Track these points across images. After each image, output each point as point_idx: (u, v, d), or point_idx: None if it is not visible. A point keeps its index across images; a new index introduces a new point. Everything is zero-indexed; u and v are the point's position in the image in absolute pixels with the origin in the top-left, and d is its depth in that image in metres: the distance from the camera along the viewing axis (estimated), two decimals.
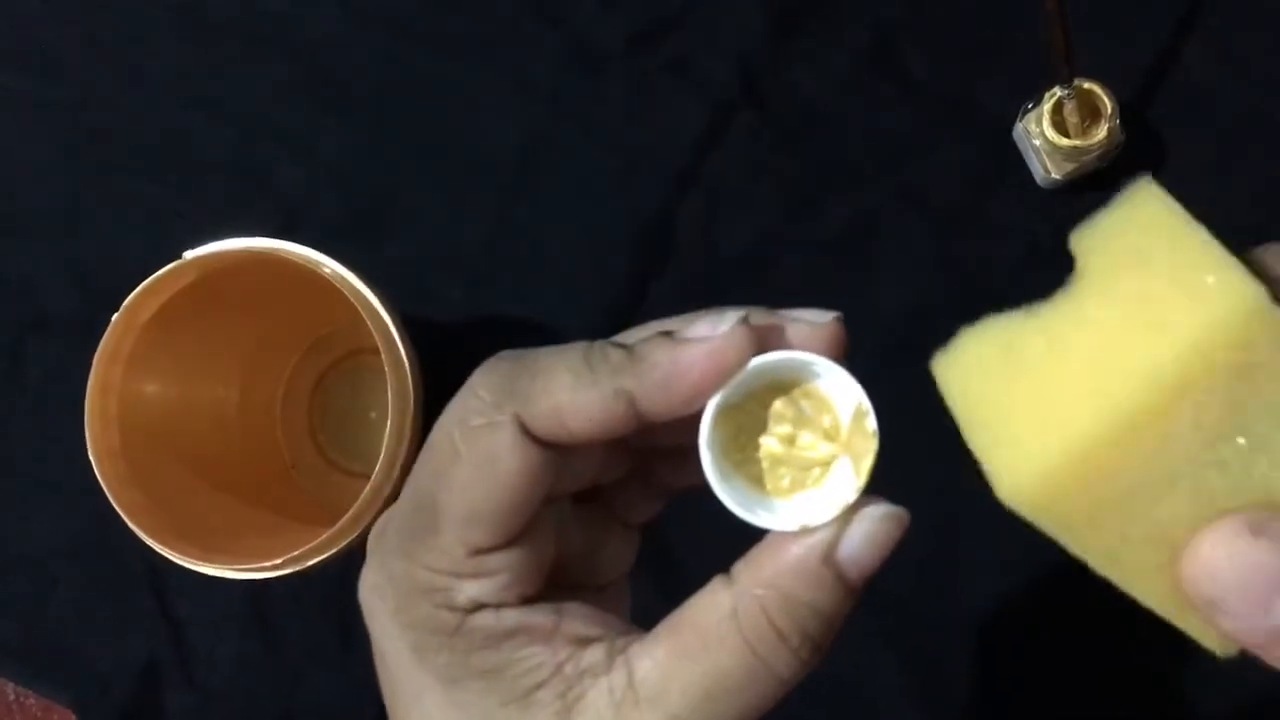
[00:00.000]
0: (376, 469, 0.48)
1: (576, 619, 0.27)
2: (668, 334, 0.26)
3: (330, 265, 0.49)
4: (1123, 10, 0.56)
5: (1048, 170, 0.54)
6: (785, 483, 0.27)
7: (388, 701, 0.28)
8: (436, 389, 0.52)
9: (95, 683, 0.58)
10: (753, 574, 0.26)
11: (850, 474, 0.26)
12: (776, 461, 0.27)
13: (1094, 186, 0.55)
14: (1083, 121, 0.53)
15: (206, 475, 0.54)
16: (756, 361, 0.26)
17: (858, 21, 0.58)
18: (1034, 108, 0.54)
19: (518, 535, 0.27)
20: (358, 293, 0.49)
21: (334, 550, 0.48)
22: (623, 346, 0.27)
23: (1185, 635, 0.33)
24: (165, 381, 0.53)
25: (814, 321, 0.27)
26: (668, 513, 0.39)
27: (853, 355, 0.27)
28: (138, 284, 0.48)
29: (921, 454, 0.52)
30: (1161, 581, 0.23)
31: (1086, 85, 0.52)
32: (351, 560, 0.56)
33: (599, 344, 0.27)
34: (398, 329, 0.49)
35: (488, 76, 0.60)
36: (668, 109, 0.58)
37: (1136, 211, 0.23)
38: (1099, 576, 0.39)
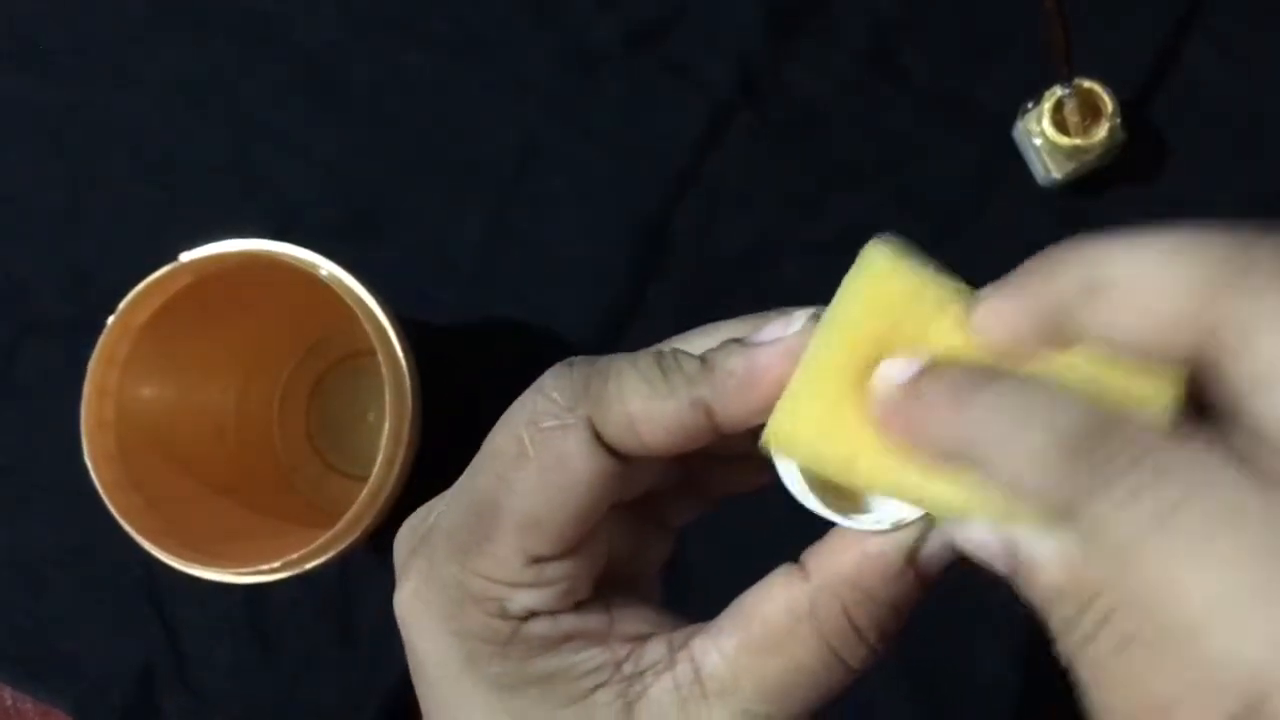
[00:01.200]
0: (374, 471, 0.47)
1: (628, 617, 0.27)
2: (736, 341, 0.26)
3: (327, 267, 0.49)
4: (1123, 9, 0.56)
5: (1048, 170, 0.54)
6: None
7: (430, 712, 0.27)
8: (434, 391, 0.52)
9: (92, 687, 0.58)
10: (831, 569, 0.25)
11: None
12: None
13: (1094, 186, 0.55)
14: (1083, 121, 0.53)
15: (203, 479, 0.54)
16: None
17: (857, 21, 0.58)
18: (1034, 107, 0.54)
19: (576, 545, 0.26)
20: (355, 295, 0.49)
21: (332, 553, 0.48)
22: (694, 356, 0.26)
23: None
24: (162, 385, 0.52)
25: None
26: None
27: None
28: (134, 286, 0.48)
29: None
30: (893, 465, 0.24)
31: (1087, 84, 0.52)
32: (351, 563, 0.56)
33: (670, 352, 0.26)
34: (395, 331, 0.49)
35: (485, 77, 0.59)
36: (666, 109, 0.58)
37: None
38: None
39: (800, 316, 0.26)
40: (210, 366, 0.56)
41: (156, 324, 0.50)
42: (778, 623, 0.25)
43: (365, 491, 0.47)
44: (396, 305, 0.50)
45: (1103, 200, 0.55)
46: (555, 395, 0.26)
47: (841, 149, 0.57)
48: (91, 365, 0.48)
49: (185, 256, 0.49)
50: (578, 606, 0.27)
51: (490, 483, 0.26)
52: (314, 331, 0.59)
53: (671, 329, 0.59)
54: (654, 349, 0.27)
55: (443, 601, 0.26)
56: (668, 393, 0.25)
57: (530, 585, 0.26)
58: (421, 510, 0.29)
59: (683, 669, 0.26)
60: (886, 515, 0.25)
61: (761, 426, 0.25)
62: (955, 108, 0.57)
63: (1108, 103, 0.52)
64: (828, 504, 0.25)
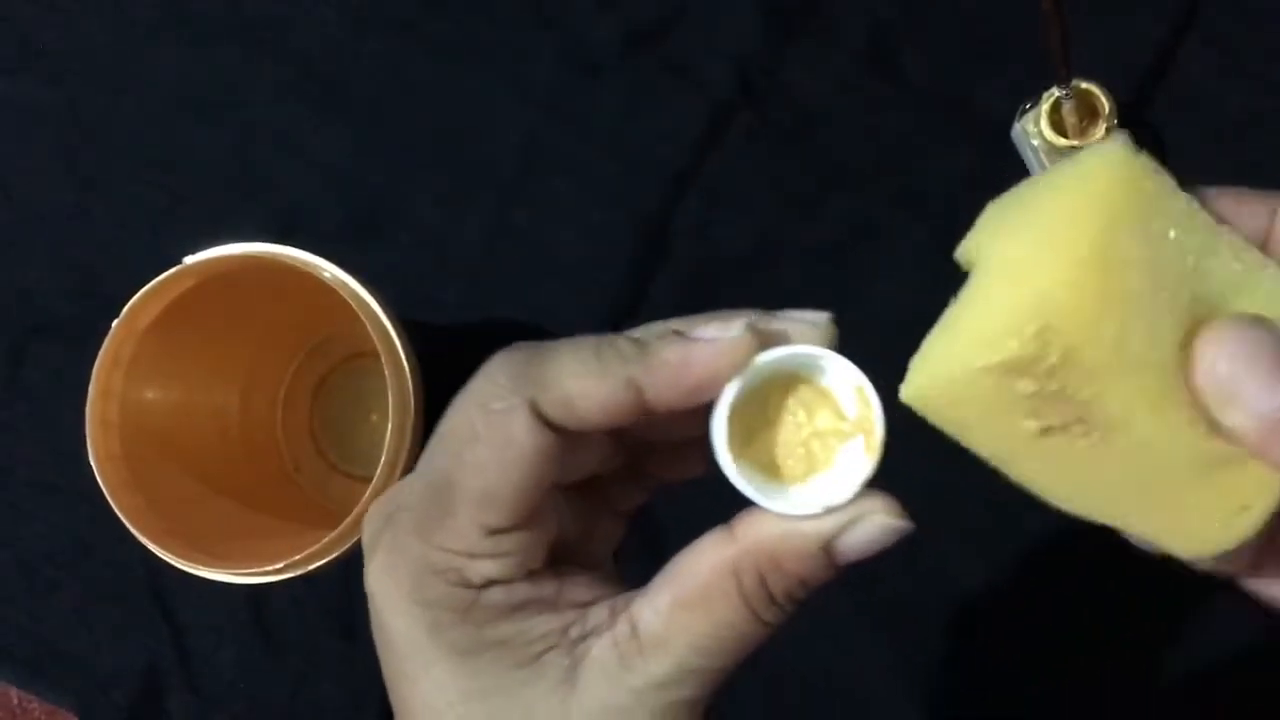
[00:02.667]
0: (378, 471, 0.48)
1: (577, 586, 0.30)
2: (678, 333, 0.28)
3: (330, 269, 0.49)
4: (1121, 11, 0.56)
5: (1046, 171, 0.54)
6: (799, 469, 0.29)
7: (391, 679, 0.29)
8: (436, 391, 0.52)
9: (97, 687, 0.58)
10: (754, 539, 0.28)
11: (861, 454, 0.28)
12: (788, 449, 0.29)
13: None
14: (1081, 122, 0.53)
15: (208, 479, 0.54)
16: (764, 357, 0.28)
17: (855, 22, 0.58)
18: (1032, 108, 0.54)
19: (527, 517, 0.28)
20: (357, 296, 0.49)
21: (336, 553, 0.48)
22: (633, 340, 0.28)
23: (1178, 619, 0.32)
24: (166, 386, 0.53)
25: (814, 322, 0.29)
26: (658, 506, 0.39)
27: (850, 356, 0.28)
28: (138, 289, 0.48)
29: (915, 452, 0.52)
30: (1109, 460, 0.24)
31: (1084, 86, 0.52)
32: (354, 563, 0.57)
33: (610, 337, 0.28)
34: (397, 332, 0.49)
35: (486, 79, 0.60)
36: (666, 110, 0.58)
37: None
38: (1092, 563, 0.40)
39: (738, 322, 0.28)
40: (214, 368, 0.56)
41: (161, 326, 0.50)
42: (705, 581, 0.28)
43: (368, 491, 0.47)
44: (398, 306, 0.50)
45: None
46: (500, 379, 0.28)
47: (840, 149, 0.57)
48: (96, 367, 0.49)
49: (189, 259, 0.49)
50: (530, 576, 0.29)
51: (447, 463, 0.28)
52: (317, 333, 0.59)
53: None
54: (596, 336, 0.29)
55: (408, 574, 0.28)
56: (601, 372, 0.28)
57: (488, 556, 0.28)
58: (388, 493, 0.31)
59: (621, 628, 0.28)
60: (812, 499, 0.28)
61: (689, 414, 0.27)
62: (954, 109, 0.57)
63: (1105, 104, 0.53)
64: (759, 486, 0.28)
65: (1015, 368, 0.23)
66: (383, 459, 0.48)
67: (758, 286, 0.57)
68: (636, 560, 0.57)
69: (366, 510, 0.47)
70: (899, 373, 0.27)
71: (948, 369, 0.24)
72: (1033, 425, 0.24)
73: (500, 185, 0.59)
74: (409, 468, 0.49)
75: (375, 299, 0.49)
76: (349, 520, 0.47)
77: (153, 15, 0.62)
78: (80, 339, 0.52)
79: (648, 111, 0.59)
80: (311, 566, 0.48)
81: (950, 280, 0.27)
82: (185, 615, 0.58)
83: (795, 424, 0.29)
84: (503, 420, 0.27)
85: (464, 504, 0.28)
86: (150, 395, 0.52)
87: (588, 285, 0.58)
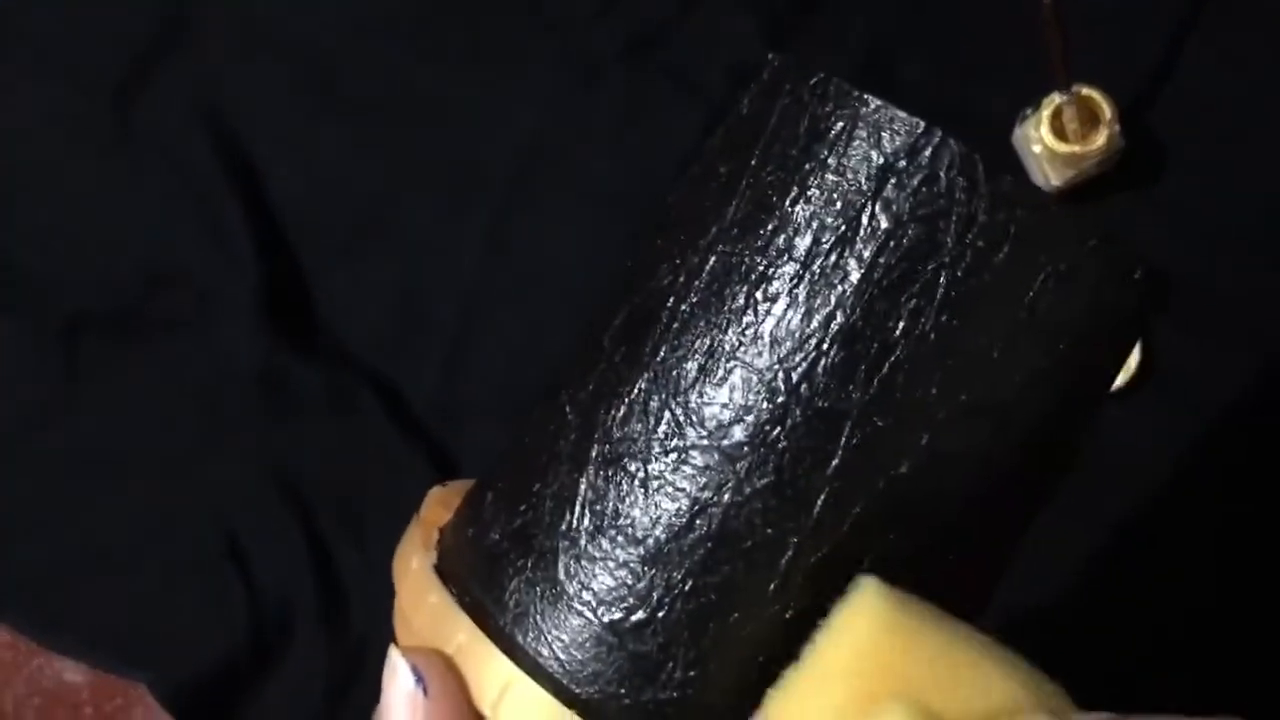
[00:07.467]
0: None
1: None
2: None
3: None
4: (1122, 15, 0.56)
5: (1047, 177, 0.54)
6: None
7: None
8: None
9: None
10: None
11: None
12: None
13: (1094, 193, 0.55)
14: (1082, 128, 0.53)
15: None
16: None
17: (853, 28, 0.58)
18: (1032, 114, 0.54)
19: None
20: None
21: None
22: None
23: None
24: None
25: None
26: None
27: None
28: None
29: None
30: None
31: (1085, 91, 0.52)
32: None
33: None
34: None
35: (483, 85, 0.59)
36: (665, 117, 0.58)
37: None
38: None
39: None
40: None
41: None
42: None
43: None
44: (394, 314, 0.50)
45: (1102, 207, 0.55)
46: None
47: None
48: None
49: None
50: None
51: None
52: None
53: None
54: None
55: None
56: None
57: None
58: None
59: None
60: None
61: None
62: (953, 115, 0.57)
63: (1106, 110, 0.52)
64: None
65: None
66: None
67: None
68: None
69: None
70: None
71: None
72: None
73: (497, 192, 0.59)
74: None
75: None
76: None
77: (150, 24, 0.61)
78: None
79: (647, 118, 0.59)
80: None
81: None
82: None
83: None
84: None
85: None
86: None
87: (586, 291, 0.58)
